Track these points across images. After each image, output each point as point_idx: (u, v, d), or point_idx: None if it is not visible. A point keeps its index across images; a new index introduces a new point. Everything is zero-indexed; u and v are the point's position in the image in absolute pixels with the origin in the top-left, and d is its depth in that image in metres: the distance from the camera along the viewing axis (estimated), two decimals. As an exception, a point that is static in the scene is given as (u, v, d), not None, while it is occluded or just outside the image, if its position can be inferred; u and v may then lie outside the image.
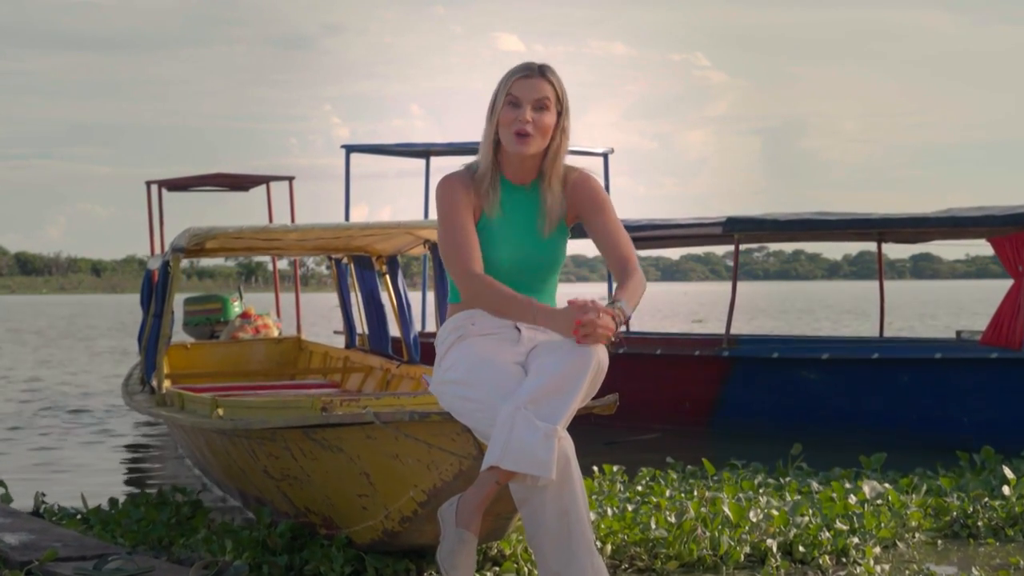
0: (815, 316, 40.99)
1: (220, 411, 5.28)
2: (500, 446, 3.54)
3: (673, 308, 52.53)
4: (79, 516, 5.73)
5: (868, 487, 5.72)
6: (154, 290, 7.56)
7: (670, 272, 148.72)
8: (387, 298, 8.44)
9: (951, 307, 48.51)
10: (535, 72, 3.93)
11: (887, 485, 5.90)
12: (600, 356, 3.65)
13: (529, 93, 3.88)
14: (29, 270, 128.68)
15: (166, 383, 8.85)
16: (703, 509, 5.32)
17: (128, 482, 7.95)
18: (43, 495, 6.06)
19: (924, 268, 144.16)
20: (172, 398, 6.61)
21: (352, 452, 4.29)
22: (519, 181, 3.97)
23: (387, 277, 8.42)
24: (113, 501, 5.93)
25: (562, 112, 3.92)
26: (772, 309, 49.38)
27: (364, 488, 4.37)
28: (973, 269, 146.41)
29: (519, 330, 3.87)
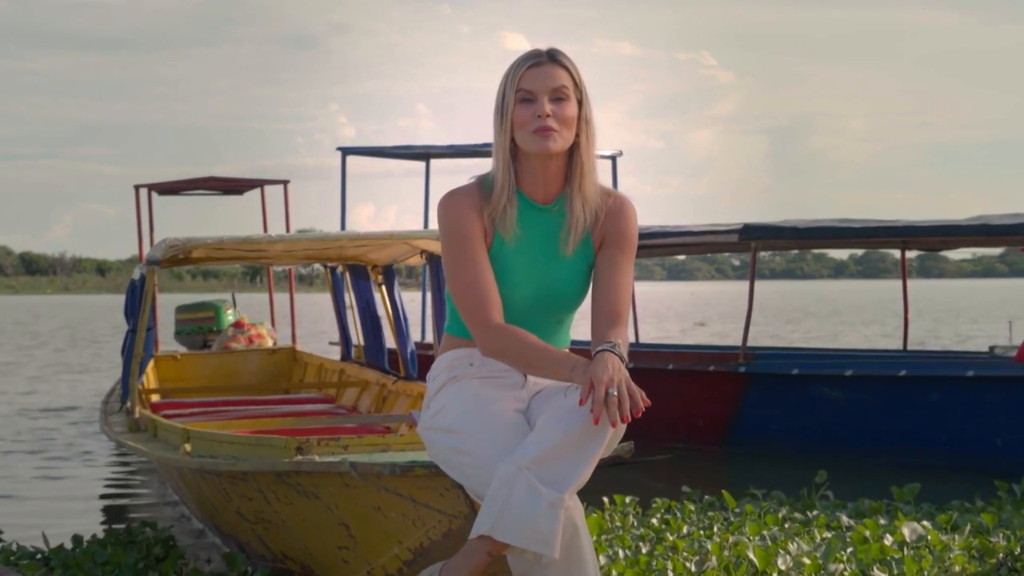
0: (824, 319, 40.47)
1: (187, 446, 4.77)
2: (495, 513, 2.97)
3: (680, 309, 52.03)
4: (39, 557, 5.23)
5: (908, 529, 5.18)
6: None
7: (676, 271, 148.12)
8: (384, 309, 7.96)
9: (962, 310, 48.02)
10: (545, 59, 3.29)
11: (926, 524, 5.38)
12: None
13: (544, 83, 3.25)
14: (34, 270, 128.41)
15: (153, 397, 8.47)
16: (725, 553, 4.81)
17: (105, 512, 7.36)
18: (0, 532, 5.56)
19: (931, 267, 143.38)
20: (146, 423, 6.10)
21: (329, 501, 3.78)
22: (541, 199, 3.32)
23: (383, 288, 7.95)
24: (77, 539, 5.41)
25: (582, 100, 3.30)
26: (779, 310, 48.87)
27: (344, 540, 3.87)
28: (980, 269, 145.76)
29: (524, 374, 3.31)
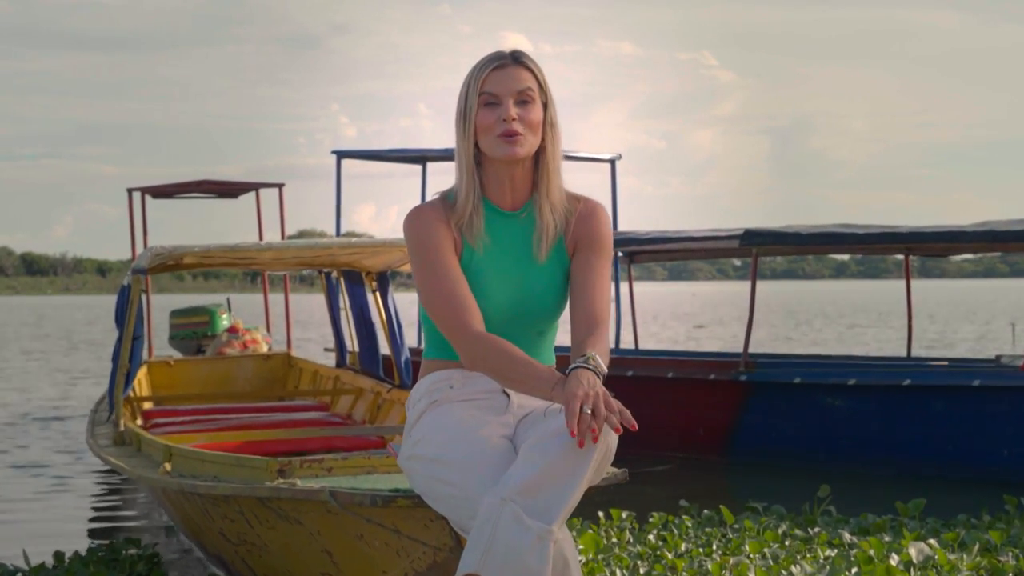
0: (826, 321, 40.33)
1: (168, 465, 4.62)
2: (481, 548, 2.80)
3: (681, 310, 51.91)
4: (19, 575, 5.08)
5: (915, 550, 5.02)
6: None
7: (677, 272, 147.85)
8: (379, 316, 7.82)
9: (965, 313, 47.90)
10: (509, 60, 3.15)
11: (933, 542, 5.22)
12: (608, 437, 2.90)
13: (508, 85, 3.12)
14: (35, 270, 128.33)
15: (146, 405, 8.30)
16: (725, 574, 4.66)
17: (90, 527, 7.14)
18: (-21, 550, 5.41)
19: (932, 268, 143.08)
20: (130, 436, 5.94)
21: (312, 527, 3.63)
22: (509, 206, 3.20)
23: (377, 294, 7.81)
24: (59, 557, 5.28)
25: (547, 103, 3.17)
26: (781, 313, 48.74)
27: (327, 567, 3.71)
28: (981, 268, 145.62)
29: (507, 395, 3.13)
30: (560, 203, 3.19)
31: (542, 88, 3.16)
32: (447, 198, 3.20)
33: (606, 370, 2.96)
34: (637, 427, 2.82)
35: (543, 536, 2.79)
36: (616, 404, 2.86)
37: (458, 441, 2.99)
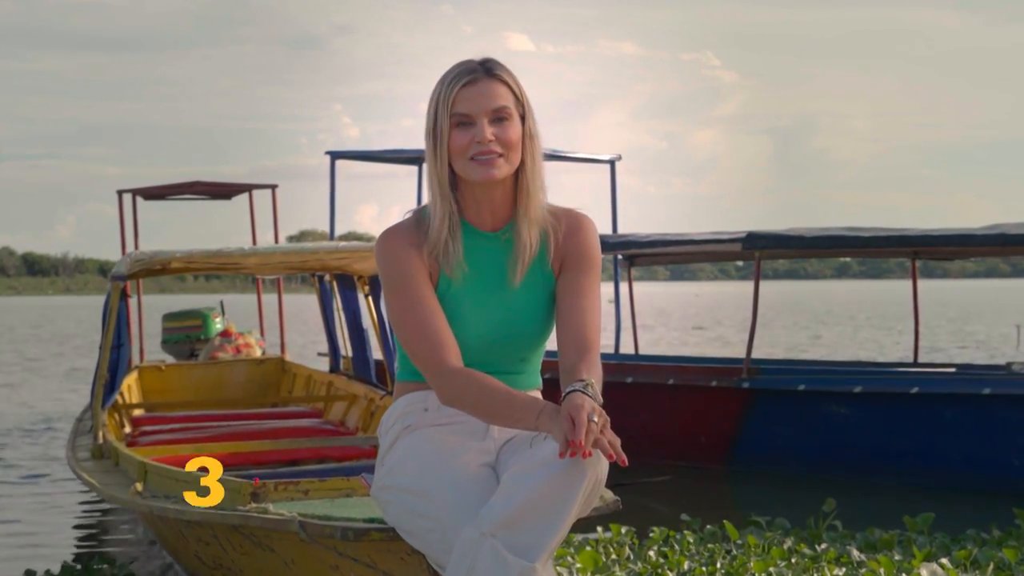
0: (830, 323, 40.12)
1: (139, 485, 4.38)
2: None
3: (683, 312, 51.74)
4: (-11, 596, 4.88)
5: (927, 571, 4.79)
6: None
7: (679, 272, 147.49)
8: (371, 321, 7.62)
9: (968, 314, 47.76)
10: (481, 73, 2.88)
11: (945, 562, 4.99)
12: (598, 467, 2.66)
13: (482, 104, 2.85)
14: (36, 271, 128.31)
15: (136, 411, 8.08)
16: (728, 596, 4.44)
17: (68, 541, 6.85)
18: (-52, 570, 5.19)
19: (934, 268, 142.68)
20: (109, 451, 5.71)
21: (285, 555, 3.41)
22: (489, 227, 2.94)
23: (370, 299, 7.61)
24: (30, 574, 5.05)
25: (525, 114, 2.91)
26: (783, 311, 48.54)
27: (304, 596, 3.48)
28: (982, 269, 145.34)
29: None
30: (541, 220, 2.93)
31: (519, 100, 2.90)
32: (422, 216, 2.94)
33: (602, 400, 2.71)
34: (627, 463, 2.60)
35: (525, 574, 2.57)
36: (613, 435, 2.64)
37: (434, 470, 2.76)
